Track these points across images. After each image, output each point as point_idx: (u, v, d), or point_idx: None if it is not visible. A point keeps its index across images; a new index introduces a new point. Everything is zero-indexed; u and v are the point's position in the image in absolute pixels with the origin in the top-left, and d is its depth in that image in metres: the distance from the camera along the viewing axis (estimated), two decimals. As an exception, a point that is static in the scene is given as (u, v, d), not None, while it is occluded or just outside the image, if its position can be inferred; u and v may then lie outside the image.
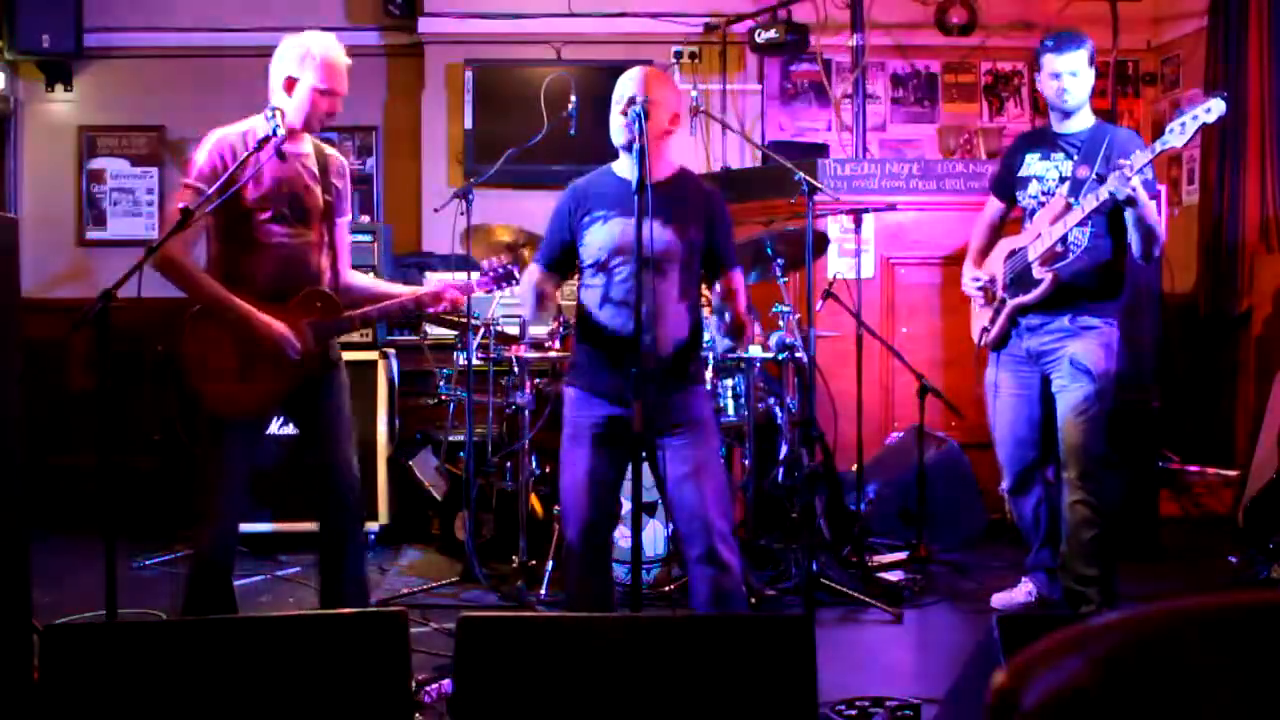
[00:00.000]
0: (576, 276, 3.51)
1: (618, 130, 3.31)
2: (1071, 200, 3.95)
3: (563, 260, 3.45)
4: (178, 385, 3.43)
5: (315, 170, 3.50)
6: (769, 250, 4.57)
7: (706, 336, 3.61)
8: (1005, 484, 4.34)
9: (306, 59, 3.40)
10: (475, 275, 3.77)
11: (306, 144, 3.51)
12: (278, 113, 3.32)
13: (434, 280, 3.76)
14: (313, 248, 3.49)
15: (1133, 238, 3.92)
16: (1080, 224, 3.95)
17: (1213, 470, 6.10)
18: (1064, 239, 3.98)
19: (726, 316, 3.41)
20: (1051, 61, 4.00)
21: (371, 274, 4.59)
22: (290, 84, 3.42)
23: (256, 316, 3.35)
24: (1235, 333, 6.28)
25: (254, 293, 3.39)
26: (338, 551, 3.59)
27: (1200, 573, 4.91)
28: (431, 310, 3.65)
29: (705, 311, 3.86)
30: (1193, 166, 6.66)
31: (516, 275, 3.64)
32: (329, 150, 3.63)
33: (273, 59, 3.45)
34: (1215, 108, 3.63)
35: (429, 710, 3.23)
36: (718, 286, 3.50)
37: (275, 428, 4.41)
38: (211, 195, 3.27)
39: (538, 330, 4.94)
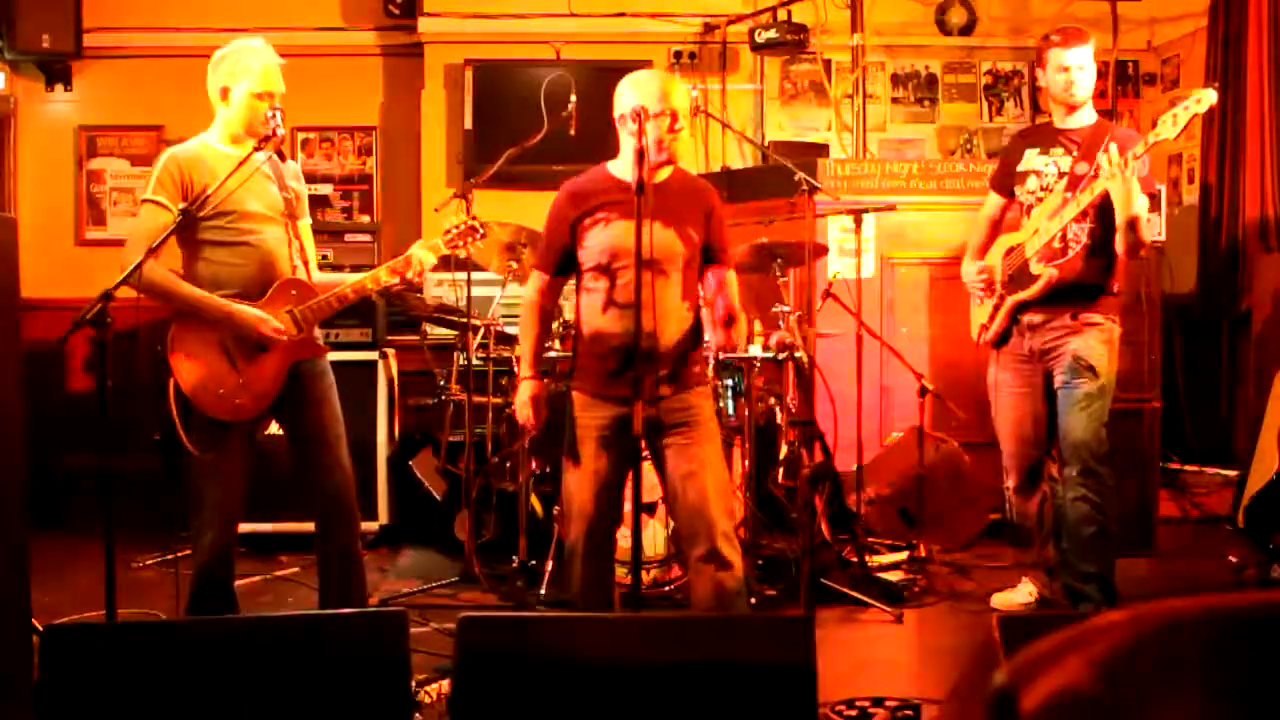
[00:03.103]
0: (576, 279, 3.49)
1: (649, 131, 3.18)
2: (1069, 195, 3.95)
3: (565, 264, 3.43)
4: (176, 391, 3.44)
5: (271, 172, 3.55)
6: (769, 250, 4.57)
7: (706, 335, 3.59)
8: (1011, 482, 4.33)
9: (238, 66, 3.44)
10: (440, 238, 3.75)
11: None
12: (278, 113, 3.35)
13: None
14: (282, 244, 3.54)
15: (1118, 237, 3.88)
16: (1078, 219, 3.95)
17: (1213, 470, 6.10)
18: (1062, 235, 3.99)
19: (719, 307, 3.38)
20: (1060, 55, 4.02)
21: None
22: (225, 93, 3.47)
23: (234, 307, 3.41)
24: (1235, 333, 6.28)
25: (230, 293, 3.44)
26: (334, 551, 3.59)
27: (1200, 573, 4.90)
28: (404, 275, 3.61)
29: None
30: (1192, 166, 6.65)
31: (479, 229, 3.74)
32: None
33: (207, 71, 3.49)
34: (1206, 98, 3.67)
35: (429, 710, 3.23)
36: (709, 279, 3.46)
37: (275, 428, 4.40)
38: (210, 196, 3.32)
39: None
